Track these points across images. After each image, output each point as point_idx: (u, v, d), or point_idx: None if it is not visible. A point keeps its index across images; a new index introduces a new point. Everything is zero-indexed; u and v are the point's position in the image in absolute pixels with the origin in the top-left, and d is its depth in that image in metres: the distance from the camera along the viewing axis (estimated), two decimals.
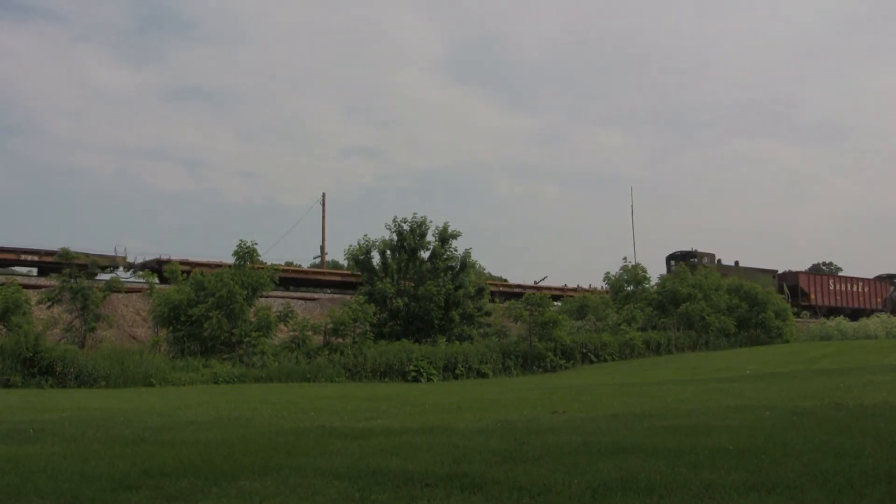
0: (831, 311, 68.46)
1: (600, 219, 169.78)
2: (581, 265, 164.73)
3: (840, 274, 72.79)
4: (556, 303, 51.22)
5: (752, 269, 69.11)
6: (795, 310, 63.89)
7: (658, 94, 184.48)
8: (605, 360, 41.95)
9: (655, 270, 56.28)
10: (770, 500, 6.83)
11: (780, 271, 71.72)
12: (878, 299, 75.03)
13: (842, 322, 55.86)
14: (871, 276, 77.82)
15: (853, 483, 7.24)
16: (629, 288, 55.02)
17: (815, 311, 68.31)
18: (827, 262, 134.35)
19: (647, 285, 54.98)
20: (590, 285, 63.56)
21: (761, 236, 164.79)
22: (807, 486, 7.20)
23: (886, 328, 54.06)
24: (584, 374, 35.93)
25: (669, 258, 68.73)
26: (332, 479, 8.19)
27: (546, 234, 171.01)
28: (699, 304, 49.62)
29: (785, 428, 11.05)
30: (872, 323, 55.59)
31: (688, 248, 68.74)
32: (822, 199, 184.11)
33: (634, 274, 55.35)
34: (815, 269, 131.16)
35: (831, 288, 73.07)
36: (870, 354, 34.98)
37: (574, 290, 62.15)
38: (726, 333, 49.58)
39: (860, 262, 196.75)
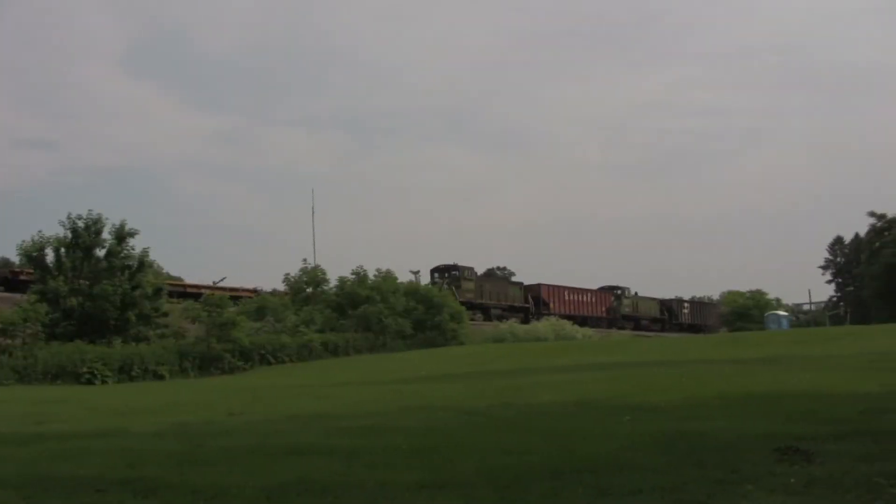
0: (567, 318, 71.71)
1: (284, 220, 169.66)
2: (263, 266, 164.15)
3: (571, 285, 78.98)
4: (234, 303, 50.71)
5: (503, 280, 76.55)
6: (536, 317, 69.48)
7: (343, 98, 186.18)
8: (284, 362, 41.89)
9: (335, 272, 56.86)
10: (442, 497, 7.03)
11: (525, 283, 76.94)
12: (602, 308, 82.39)
13: (514, 325, 58.06)
14: (593, 286, 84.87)
15: (521, 478, 7.55)
16: (308, 290, 55.14)
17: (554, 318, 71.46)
18: (501, 266, 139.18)
19: (326, 287, 55.28)
20: (274, 289, 63.31)
21: (444, 240, 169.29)
22: (477, 482, 7.45)
23: (556, 331, 56.56)
24: (262, 375, 35.83)
25: (433, 271, 70.68)
26: None
27: (229, 235, 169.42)
28: (377, 307, 50.33)
29: (458, 427, 11.41)
30: (543, 326, 58.01)
31: (450, 262, 71.02)
32: (501, 204, 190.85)
33: (314, 275, 55.48)
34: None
35: (566, 298, 78.69)
36: (540, 356, 36.49)
37: (253, 290, 61.83)
38: (403, 335, 50.50)
39: (531, 268, 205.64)
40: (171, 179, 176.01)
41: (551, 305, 75.94)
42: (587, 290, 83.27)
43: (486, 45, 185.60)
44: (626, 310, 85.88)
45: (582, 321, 73.63)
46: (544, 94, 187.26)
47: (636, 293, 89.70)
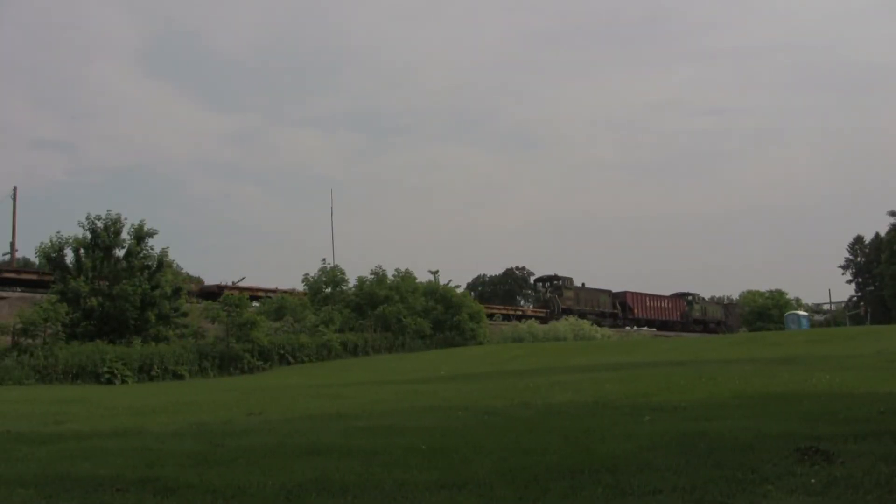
0: (648, 323, 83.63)
1: (301, 220, 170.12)
2: (281, 266, 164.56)
3: (651, 293, 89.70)
4: (254, 303, 50.76)
5: (595, 289, 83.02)
6: (623, 322, 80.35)
7: (356, 98, 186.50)
8: (303, 362, 41.98)
9: (352, 272, 57.05)
10: (461, 497, 7.02)
11: (614, 290, 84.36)
12: (677, 313, 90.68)
13: (533, 325, 58.12)
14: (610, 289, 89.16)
15: (539, 478, 7.51)
16: (327, 290, 55.12)
17: (637, 322, 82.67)
18: (520, 266, 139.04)
19: (345, 287, 55.28)
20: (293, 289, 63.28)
21: (456, 241, 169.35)
22: (496, 482, 7.42)
23: (574, 331, 56.55)
24: (281, 375, 35.84)
25: (536, 280, 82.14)
26: (16, 486, 7.87)
27: (245, 234, 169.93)
28: (396, 307, 50.34)
29: (476, 427, 11.38)
30: (562, 326, 58.02)
31: (552, 273, 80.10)
32: (515, 203, 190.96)
33: (333, 275, 55.49)
34: (509, 274, 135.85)
35: (647, 304, 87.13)
36: (558, 356, 36.51)
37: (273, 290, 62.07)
38: (422, 335, 50.51)
39: (544, 267, 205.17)
40: (186, 179, 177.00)
41: (635, 311, 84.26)
42: (664, 297, 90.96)
43: (500, 45, 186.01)
44: (697, 314, 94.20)
45: (661, 325, 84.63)
46: (557, 94, 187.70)
47: (703, 298, 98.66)
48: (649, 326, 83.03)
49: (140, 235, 42.16)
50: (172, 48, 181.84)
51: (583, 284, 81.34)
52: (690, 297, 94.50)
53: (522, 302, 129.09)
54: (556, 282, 78.86)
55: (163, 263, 42.70)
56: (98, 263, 40.99)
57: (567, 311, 73.01)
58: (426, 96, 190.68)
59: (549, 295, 77.40)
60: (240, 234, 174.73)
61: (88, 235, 41.55)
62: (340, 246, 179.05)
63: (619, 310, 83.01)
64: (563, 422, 11.58)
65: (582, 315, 72.86)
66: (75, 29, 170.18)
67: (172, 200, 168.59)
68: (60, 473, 8.41)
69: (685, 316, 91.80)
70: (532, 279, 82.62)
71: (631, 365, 26.07)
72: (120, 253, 42.06)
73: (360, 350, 46.16)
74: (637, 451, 8.62)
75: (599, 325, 71.44)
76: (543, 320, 67.31)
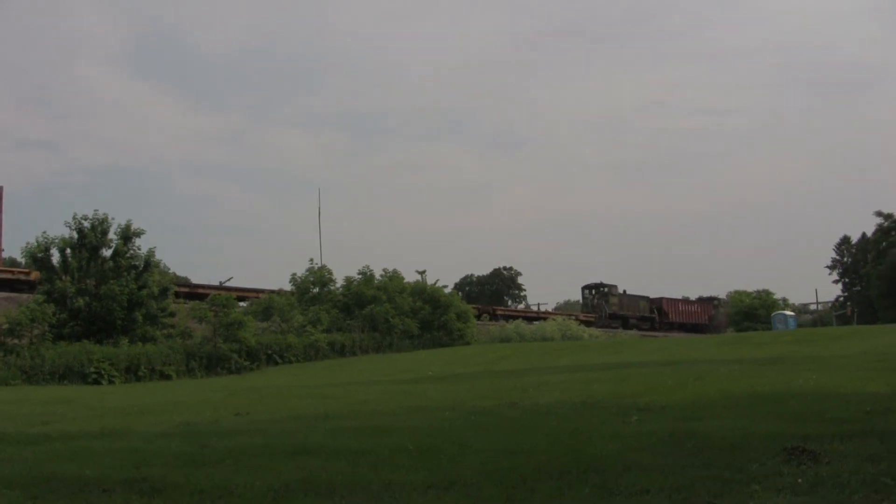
0: (681, 326, 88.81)
1: (287, 220, 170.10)
2: (268, 266, 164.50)
3: (684, 298, 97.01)
4: (241, 304, 50.58)
5: (635, 295, 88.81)
6: (659, 325, 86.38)
7: (341, 98, 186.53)
8: (291, 362, 41.86)
9: (338, 272, 56.85)
10: (448, 497, 7.03)
11: (651, 297, 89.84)
12: (706, 316, 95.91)
13: (520, 325, 58.14)
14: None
15: (526, 479, 7.54)
16: (315, 290, 54.98)
17: (672, 325, 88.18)
18: (507, 266, 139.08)
19: (332, 287, 55.16)
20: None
21: (443, 241, 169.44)
22: (483, 483, 7.44)
23: (562, 331, 56.55)
24: (268, 375, 35.78)
25: (585, 288, 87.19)
26: (2, 487, 7.86)
27: (232, 234, 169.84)
28: (384, 307, 50.25)
29: (464, 427, 11.38)
30: (549, 325, 58.05)
31: (597, 280, 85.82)
32: (502, 203, 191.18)
33: (320, 275, 55.33)
34: (496, 274, 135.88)
35: (680, 308, 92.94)
36: (545, 356, 36.50)
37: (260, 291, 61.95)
38: (410, 335, 50.45)
39: (538, 266, 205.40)
40: (171, 179, 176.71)
41: (670, 315, 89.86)
42: (694, 302, 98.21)
43: (486, 45, 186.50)
44: (722, 317, 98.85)
45: (691, 328, 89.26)
46: (544, 94, 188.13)
47: (728, 301, 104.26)
48: (682, 330, 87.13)
49: (127, 235, 41.99)
50: (157, 48, 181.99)
51: (624, 291, 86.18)
52: (716, 302, 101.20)
53: (510, 302, 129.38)
54: (602, 289, 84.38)
55: (150, 263, 42.53)
56: (85, 263, 40.79)
57: (613, 316, 79.32)
58: (412, 96, 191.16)
59: (596, 301, 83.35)
60: (226, 234, 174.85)
61: (75, 235, 41.38)
62: (327, 246, 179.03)
63: (656, 314, 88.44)
64: (550, 422, 11.59)
65: (625, 319, 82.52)
66: (59, 29, 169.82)
67: (158, 200, 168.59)
68: (47, 474, 8.40)
69: (713, 319, 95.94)
70: (581, 286, 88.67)
71: (618, 365, 26.08)
72: (107, 253, 41.90)
73: (347, 350, 46.05)
74: (624, 451, 8.64)
75: (640, 328, 79.98)
76: (588, 325, 70.09)
